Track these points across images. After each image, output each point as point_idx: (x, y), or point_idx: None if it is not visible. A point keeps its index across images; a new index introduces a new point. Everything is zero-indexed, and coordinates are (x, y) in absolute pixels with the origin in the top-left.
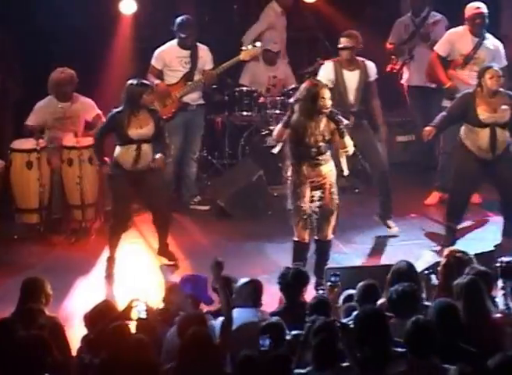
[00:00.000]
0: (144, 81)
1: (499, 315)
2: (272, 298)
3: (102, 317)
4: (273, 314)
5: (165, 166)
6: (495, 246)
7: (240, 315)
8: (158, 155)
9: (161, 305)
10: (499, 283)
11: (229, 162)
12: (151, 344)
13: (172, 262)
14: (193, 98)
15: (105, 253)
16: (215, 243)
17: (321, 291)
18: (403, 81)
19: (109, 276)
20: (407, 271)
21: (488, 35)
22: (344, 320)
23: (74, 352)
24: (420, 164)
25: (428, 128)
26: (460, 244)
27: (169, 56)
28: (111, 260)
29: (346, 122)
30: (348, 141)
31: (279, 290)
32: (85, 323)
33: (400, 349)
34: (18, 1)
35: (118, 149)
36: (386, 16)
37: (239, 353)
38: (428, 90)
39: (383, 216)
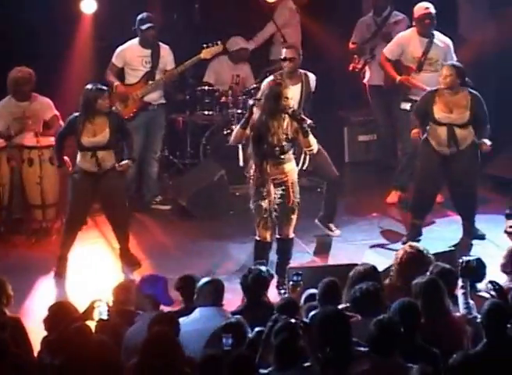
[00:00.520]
0: (100, 86)
1: (458, 314)
2: (234, 297)
3: (62, 318)
4: (235, 313)
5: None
6: (454, 246)
7: (202, 314)
8: (125, 162)
9: (112, 304)
10: (459, 282)
11: (190, 161)
12: (112, 345)
13: (133, 267)
14: (154, 97)
15: None
16: (177, 243)
17: (282, 291)
18: (365, 80)
19: (60, 275)
20: (369, 273)
21: (436, 33)
22: (306, 320)
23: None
24: (381, 163)
25: (415, 130)
26: (422, 244)
27: (130, 55)
28: (61, 258)
29: (309, 121)
30: (312, 139)
31: (238, 289)
32: (44, 325)
33: (362, 348)
34: None
35: (78, 153)
36: (348, 16)
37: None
38: (390, 89)
39: (327, 220)
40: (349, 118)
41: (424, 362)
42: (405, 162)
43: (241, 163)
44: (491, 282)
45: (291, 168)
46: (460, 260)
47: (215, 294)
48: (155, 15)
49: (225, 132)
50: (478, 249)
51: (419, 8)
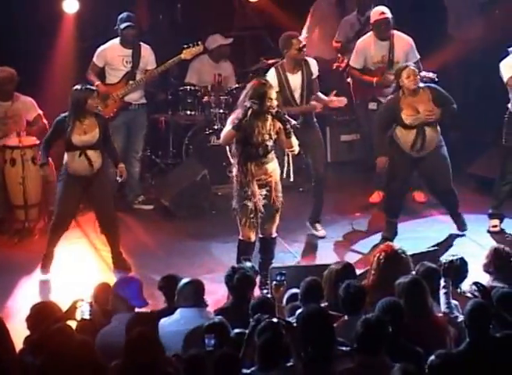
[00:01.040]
0: (89, 86)
1: (440, 314)
2: (217, 297)
3: (44, 318)
4: (221, 309)
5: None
6: (437, 245)
7: (182, 315)
8: (120, 166)
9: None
10: (442, 281)
11: (173, 161)
12: (94, 345)
13: (125, 271)
14: (135, 97)
15: None
16: (159, 242)
17: (265, 291)
18: (348, 80)
19: (44, 268)
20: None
21: (396, 34)
22: (289, 319)
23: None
24: (364, 163)
25: (380, 159)
26: (405, 243)
27: (111, 54)
28: (47, 257)
29: (293, 122)
30: (294, 140)
31: (223, 289)
32: (27, 324)
33: (344, 348)
34: None
35: (65, 155)
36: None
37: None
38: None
39: (313, 219)
40: (331, 117)
41: (407, 361)
42: None
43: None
44: (475, 283)
45: (274, 168)
46: (443, 260)
47: (195, 295)
48: (140, 15)
49: (207, 132)
50: (460, 249)
51: (375, 14)
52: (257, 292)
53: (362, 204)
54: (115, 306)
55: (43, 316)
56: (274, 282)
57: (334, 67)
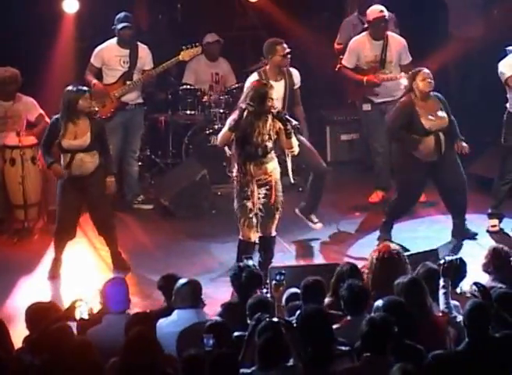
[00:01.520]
0: (81, 87)
1: (440, 314)
2: (216, 297)
3: (41, 319)
4: (228, 304)
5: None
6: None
7: (179, 316)
8: (108, 179)
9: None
10: (441, 282)
11: (172, 161)
12: (93, 346)
13: (123, 271)
14: (132, 97)
15: (49, 253)
16: (159, 242)
17: (265, 290)
18: None
19: (53, 277)
20: (350, 273)
21: (390, 34)
22: (289, 319)
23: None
24: (364, 162)
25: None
26: (404, 243)
27: (108, 55)
28: (56, 261)
29: (294, 122)
30: (294, 141)
31: (222, 289)
32: (26, 323)
33: (344, 348)
34: None
35: (61, 156)
36: (330, 16)
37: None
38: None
39: (307, 210)
40: (331, 117)
41: (408, 360)
42: (380, 163)
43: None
44: (475, 283)
45: (274, 167)
46: (442, 260)
47: (192, 295)
48: (139, 15)
49: (207, 132)
50: (460, 248)
51: (373, 12)
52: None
53: (362, 204)
54: (103, 307)
55: (39, 316)
56: (273, 281)
57: (337, 68)
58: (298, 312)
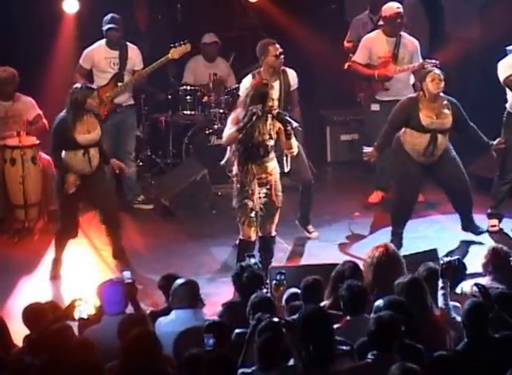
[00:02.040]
0: (89, 85)
1: (438, 312)
2: (216, 297)
3: (41, 317)
4: (230, 303)
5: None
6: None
7: (178, 316)
8: (112, 160)
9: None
10: (439, 282)
11: (173, 161)
12: (94, 346)
13: (128, 268)
14: (123, 99)
15: (49, 253)
16: (159, 242)
17: (265, 290)
18: None
19: (54, 277)
20: (351, 272)
21: (403, 34)
22: (289, 319)
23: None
24: (364, 162)
25: (370, 150)
26: (403, 243)
27: (98, 56)
28: (56, 262)
29: (295, 124)
30: (294, 142)
31: (222, 289)
32: (24, 324)
33: (344, 347)
34: None
35: (64, 154)
36: (330, 15)
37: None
38: None
39: (302, 221)
40: (331, 117)
41: (408, 358)
42: (382, 164)
43: (223, 162)
44: (476, 284)
45: (274, 166)
46: (441, 261)
47: (189, 295)
48: (139, 15)
49: (207, 132)
50: (459, 248)
51: (390, 8)
52: None
53: (361, 204)
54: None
55: (36, 316)
56: (274, 281)
57: (346, 67)
58: (299, 312)
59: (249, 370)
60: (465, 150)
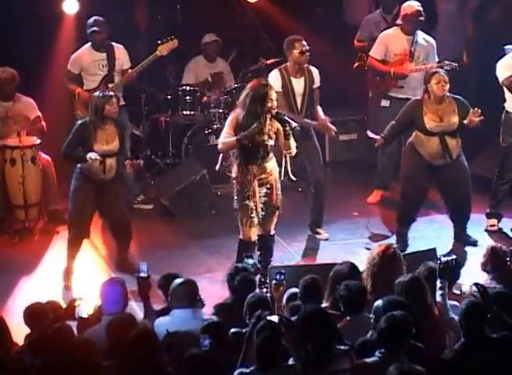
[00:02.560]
0: (107, 92)
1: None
2: (216, 297)
3: (42, 317)
4: (221, 304)
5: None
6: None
7: (176, 315)
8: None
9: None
10: (438, 283)
11: (172, 161)
12: (94, 345)
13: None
14: None
15: (49, 253)
16: (159, 242)
17: (265, 290)
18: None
19: (67, 288)
20: (349, 272)
21: (419, 32)
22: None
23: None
24: (362, 162)
25: (378, 138)
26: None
27: (86, 60)
28: (69, 271)
29: (294, 124)
30: (292, 143)
31: (222, 288)
32: (26, 324)
33: (343, 347)
34: None
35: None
36: (329, 16)
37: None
38: None
39: (315, 225)
40: (329, 117)
41: (408, 357)
42: (385, 161)
43: (217, 167)
44: (475, 284)
45: (273, 166)
46: (438, 261)
47: (188, 295)
48: (139, 16)
49: (206, 132)
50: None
51: (410, 6)
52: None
53: (361, 203)
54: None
55: (37, 316)
56: (273, 281)
57: (355, 66)
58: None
59: (247, 370)
60: (465, 150)
